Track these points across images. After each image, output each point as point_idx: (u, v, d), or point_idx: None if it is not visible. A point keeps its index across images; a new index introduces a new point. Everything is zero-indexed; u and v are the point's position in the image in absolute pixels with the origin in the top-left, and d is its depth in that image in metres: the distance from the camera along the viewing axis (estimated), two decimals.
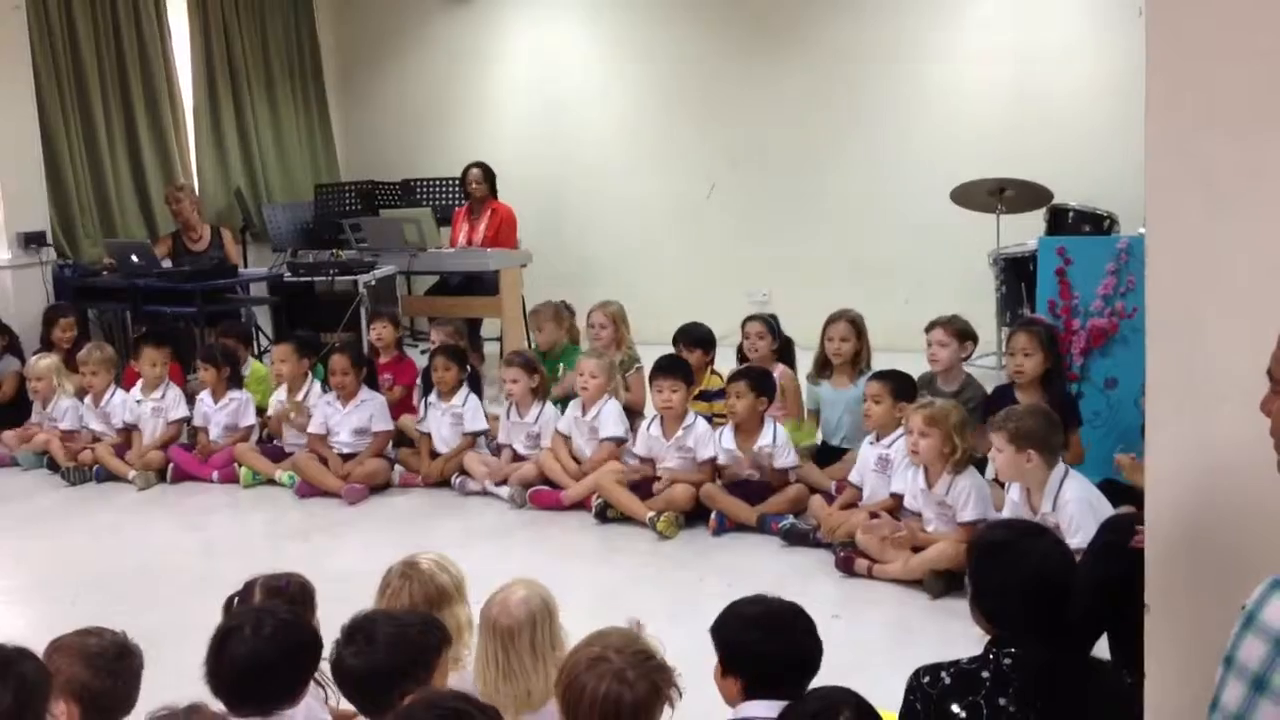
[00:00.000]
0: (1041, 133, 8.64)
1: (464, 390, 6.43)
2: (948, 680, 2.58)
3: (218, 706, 2.57)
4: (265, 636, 2.60)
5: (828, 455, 5.87)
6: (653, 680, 2.40)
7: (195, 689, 2.61)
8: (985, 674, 2.55)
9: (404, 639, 2.61)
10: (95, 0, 9.04)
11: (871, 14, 9.24)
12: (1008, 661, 2.55)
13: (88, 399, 6.96)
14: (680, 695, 2.49)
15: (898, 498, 4.99)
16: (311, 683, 2.92)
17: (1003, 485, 4.66)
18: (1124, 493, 4.38)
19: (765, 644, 2.65)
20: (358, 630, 2.64)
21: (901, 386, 5.22)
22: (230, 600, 3.05)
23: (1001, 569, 2.66)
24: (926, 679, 2.61)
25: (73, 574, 5.23)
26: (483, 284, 8.86)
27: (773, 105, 9.57)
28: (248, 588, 3.05)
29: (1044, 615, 2.57)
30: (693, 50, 9.85)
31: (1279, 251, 2.09)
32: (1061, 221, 7.53)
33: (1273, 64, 2.07)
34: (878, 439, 5.19)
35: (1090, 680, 2.57)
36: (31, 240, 8.29)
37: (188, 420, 6.85)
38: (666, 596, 4.81)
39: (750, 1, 9.62)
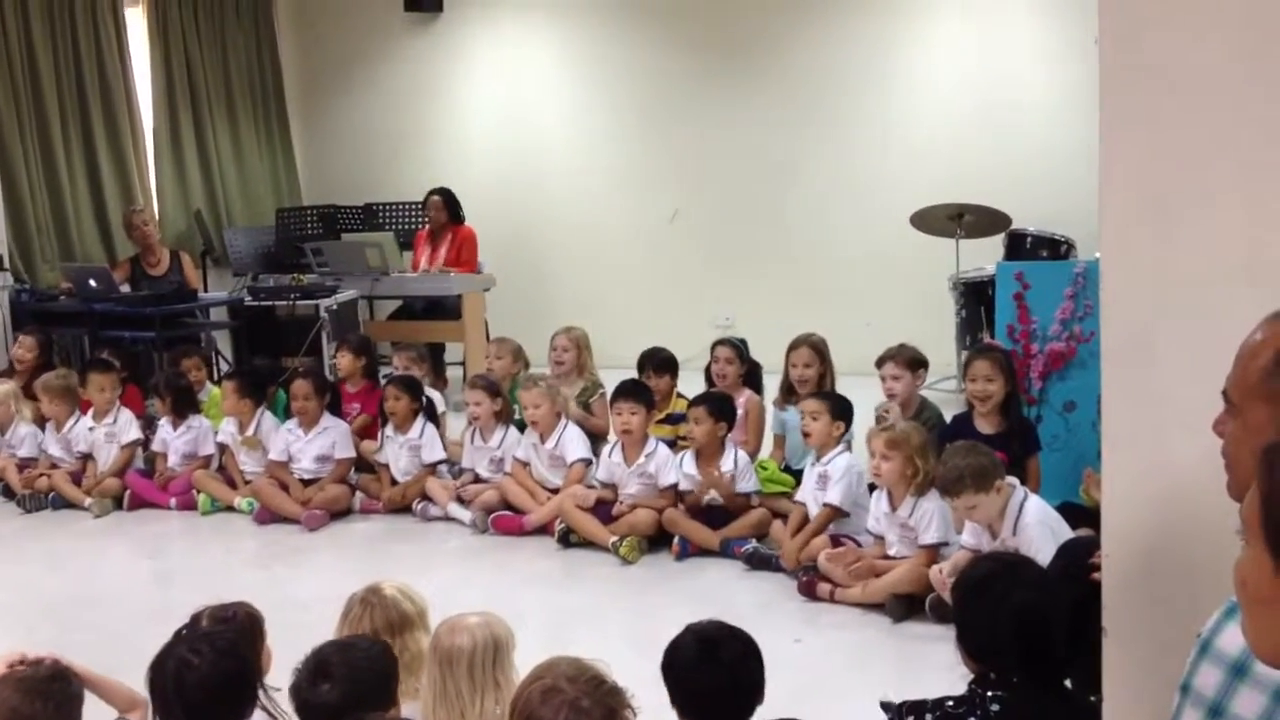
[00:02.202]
0: (1000, 158, 8.73)
1: (420, 421, 6.36)
2: None
3: None
4: (197, 666, 2.57)
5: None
6: (608, 705, 2.39)
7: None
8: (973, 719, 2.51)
9: (360, 670, 2.60)
10: (54, 22, 8.98)
11: (834, 41, 9.31)
12: (995, 708, 2.50)
13: (49, 426, 6.87)
14: (635, 715, 2.48)
15: (830, 508, 5.03)
16: (262, 710, 2.89)
17: None
18: (1083, 516, 4.40)
19: (696, 674, 2.65)
20: (315, 665, 2.62)
21: (838, 405, 5.27)
22: (179, 632, 3.02)
23: (987, 605, 2.61)
24: (910, 718, 2.57)
25: (27, 603, 5.16)
26: (445, 308, 8.84)
27: (737, 130, 9.62)
28: (195, 619, 3.01)
29: (1032, 651, 2.53)
30: (658, 75, 9.89)
31: (1230, 275, 2.12)
32: (1020, 246, 7.59)
33: (1222, 92, 2.10)
34: (818, 458, 5.21)
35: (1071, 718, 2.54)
36: None
37: (143, 444, 6.77)
38: (629, 622, 4.79)
39: (715, 27, 9.67)
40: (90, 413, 6.78)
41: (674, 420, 6.22)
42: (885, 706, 2.71)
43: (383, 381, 6.90)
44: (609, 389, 6.19)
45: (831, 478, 5.09)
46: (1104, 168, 2.23)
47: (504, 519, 5.90)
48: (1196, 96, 2.11)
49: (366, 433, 6.76)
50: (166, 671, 2.59)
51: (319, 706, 2.54)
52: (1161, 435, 2.19)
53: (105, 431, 6.73)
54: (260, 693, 2.89)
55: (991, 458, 4.31)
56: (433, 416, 6.49)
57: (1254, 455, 1.27)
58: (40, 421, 6.96)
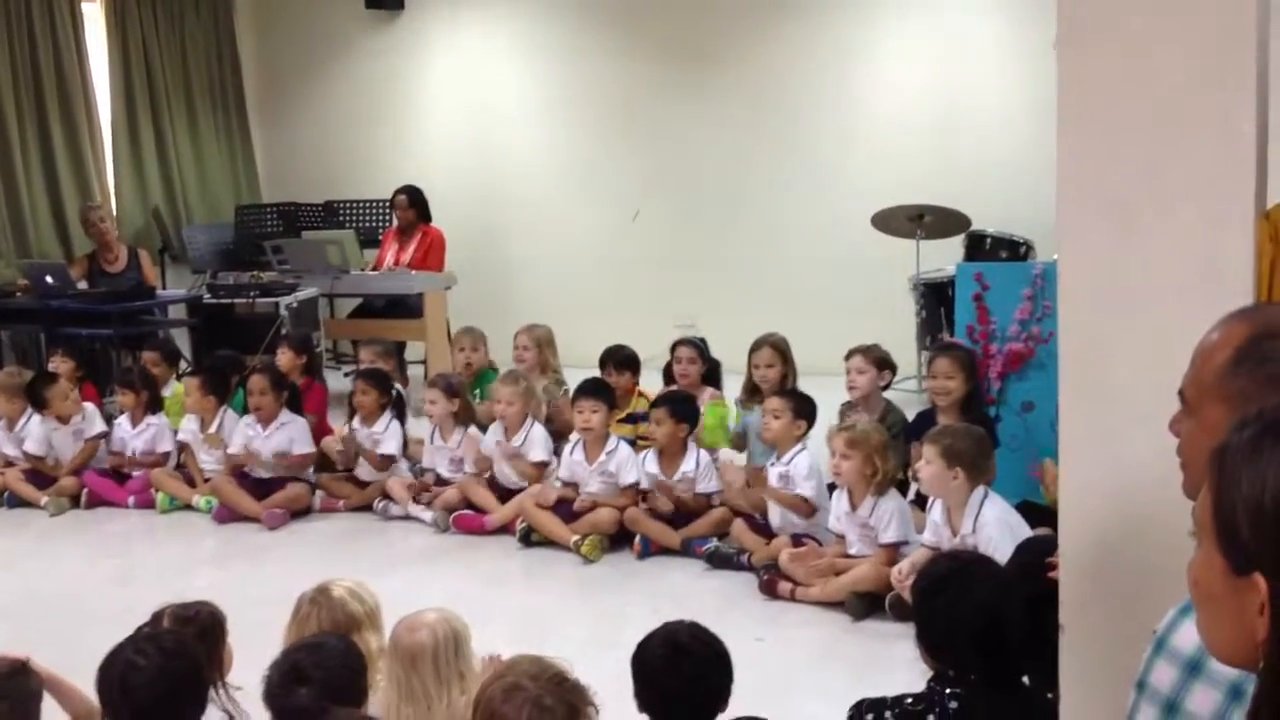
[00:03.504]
0: (960, 160, 8.79)
1: (387, 416, 6.35)
2: None
3: None
4: (143, 668, 2.56)
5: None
6: (569, 702, 2.40)
7: None
8: (931, 717, 2.52)
9: (333, 671, 2.60)
10: (10, 16, 8.87)
11: (796, 43, 9.34)
12: (954, 705, 2.52)
13: (1, 423, 6.78)
14: (598, 713, 2.49)
15: (805, 500, 5.07)
16: (221, 712, 2.88)
17: (924, 508, 4.72)
18: (1042, 515, 4.44)
19: (664, 679, 2.67)
20: (288, 670, 2.62)
21: (801, 404, 5.29)
22: (140, 630, 2.99)
23: (945, 604, 2.63)
24: (869, 716, 2.58)
25: None
26: (407, 307, 8.80)
27: (699, 131, 9.63)
28: (156, 618, 3.00)
29: (989, 649, 2.55)
30: (620, 73, 9.89)
31: (1186, 275, 2.15)
32: (979, 247, 7.66)
33: (1177, 96, 2.13)
34: (778, 457, 5.23)
35: (1030, 717, 2.56)
36: None
37: (105, 436, 6.72)
38: (591, 621, 4.80)
39: (677, 27, 9.68)
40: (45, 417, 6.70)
41: (635, 419, 6.23)
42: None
43: (345, 376, 6.87)
44: (572, 387, 6.19)
45: (794, 478, 5.10)
46: (1061, 171, 2.26)
47: (465, 518, 5.88)
48: (1152, 101, 2.14)
49: (318, 429, 6.72)
50: (113, 673, 2.57)
51: (296, 710, 2.53)
52: (1118, 435, 2.22)
53: (74, 430, 6.67)
54: (221, 692, 2.88)
55: (982, 456, 4.34)
56: (401, 413, 6.47)
57: (1209, 455, 1.29)
58: None
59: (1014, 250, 7.52)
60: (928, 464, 4.33)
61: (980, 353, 5.47)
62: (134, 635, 2.75)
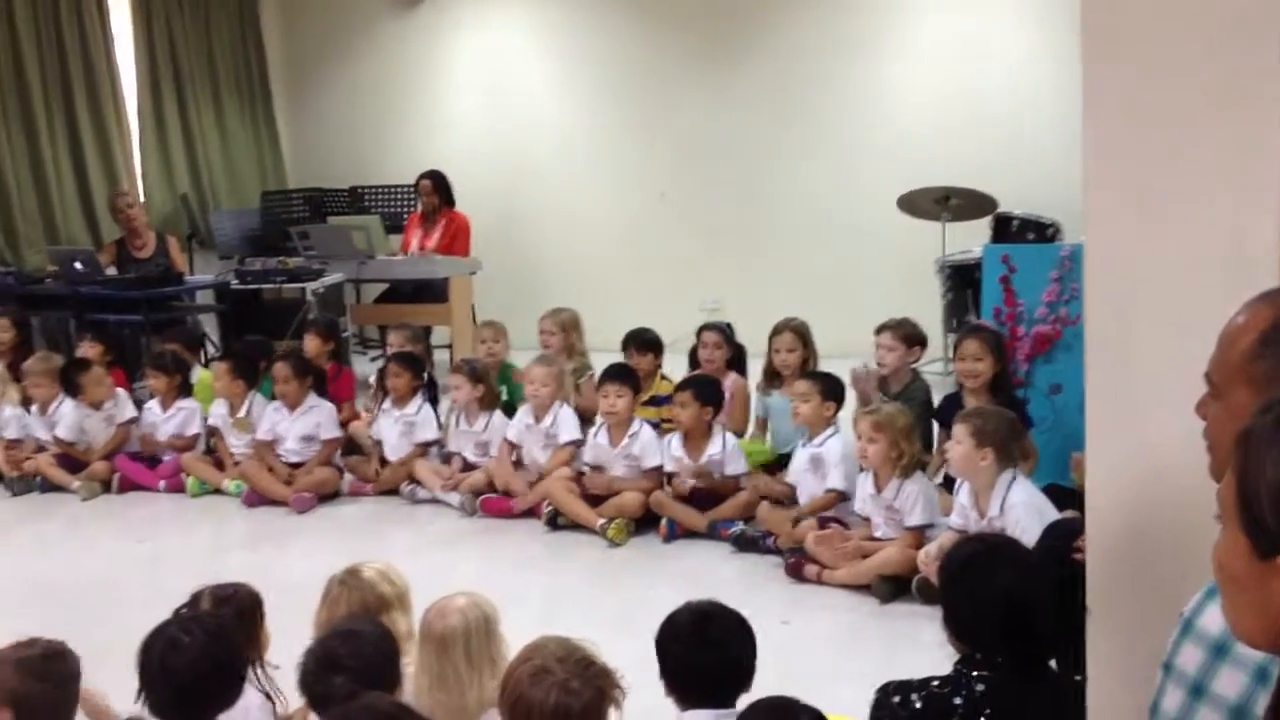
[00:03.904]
0: (987, 142, 8.75)
1: (419, 399, 6.39)
2: (918, 704, 2.54)
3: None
4: (186, 647, 2.59)
5: (778, 462, 5.90)
6: (597, 686, 2.42)
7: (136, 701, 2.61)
8: (958, 700, 2.51)
9: (367, 658, 2.64)
10: (37, 4, 8.93)
11: (821, 23, 9.31)
12: (980, 688, 2.51)
13: (34, 408, 6.86)
14: (624, 695, 2.51)
15: (835, 493, 5.05)
16: (259, 692, 2.92)
17: (951, 490, 4.71)
18: (1069, 497, 4.43)
19: (689, 653, 2.68)
20: (323, 658, 2.65)
21: (829, 386, 5.29)
22: (178, 611, 3.03)
23: (972, 587, 2.63)
24: (896, 699, 2.58)
25: (17, 586, 5.16)
26: (431, 291, 8.83)
27: (723, 112, 9.62)
28: (195, 598, 3.04)
29: (1016, 632, 2.55)
30: (644, 57, 9.88)
31: (1213, 257, 2.13)
32: (1006, 229, 7.63)
33: (1204, 76, 2.12)
34: (809, 439, 5.23)
35: (1057, 701, 2.56)
36: None
37: (136, 421, 6.78)
38: (617, 604, 4.81)
39: (700, 8, 9.66)
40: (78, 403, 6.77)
41: (658, 402, 6.24)
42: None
43: (372, 361, 6.90)
44: (598, 371, 6.21)
45: (826, 461, 5.10)
46: (1087, 154, 2.24)
47: (492, 501, 5.92)
48: (1179, 84, 2.13)
49: (346, 414, 6.77)
50: (154, 652, 2.61)
51: (333, 697, 2.56)
52: (1144, 417, 2.21)
53: (106, 415, 6.73)
54: (259, 671, 2.92)
55: (1013, 439, 4.34)
56: (433, 396, 6.50)
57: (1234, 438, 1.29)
58: (26, 404, 6.94)
59: (1041, 232, 7.48)
60: (957, 444, 4.33)
61: (1007, 335, 5.46)
62: (175, 615, 2.79)
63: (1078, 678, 2.41)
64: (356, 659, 2.63)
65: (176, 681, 2.55)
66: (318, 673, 2.62)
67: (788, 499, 5.32)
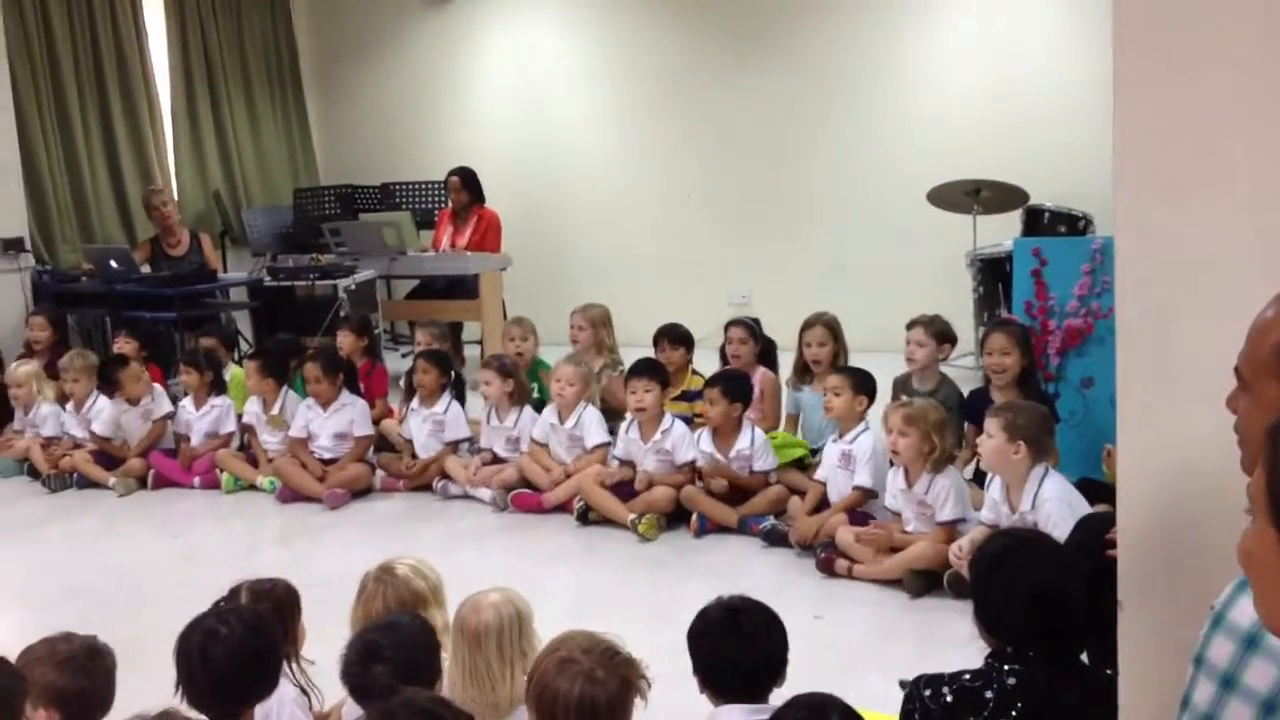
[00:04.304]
0: (1018, 134, 8.71)
1: (446, 397, 6.41)
2: (949, 698, 2.54)
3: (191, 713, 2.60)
4: (224, 638, 2.62)
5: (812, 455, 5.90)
6: (623, 676, 2.44)
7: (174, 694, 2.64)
8: (989, 694, 2.51)
9: (408, 649, 2.67)
10: (72, 3, 9.03)
11: (849, 17, 9.29)
12: (1012, 681, 2.51)
13: (69, 405, 6.94)
14: (650, 686, 2.53)
15: (862, 490, 5.04)
16: (294, 686, 2.95)
17: (982, 485, 4.70)
18: (1101, 492, 4.41)
19: (720, 648, 2.69)
20: (364, 649, 2.69)
21: (861, 380, 5.29)
22: (217, 605, 3.07)
23: (1004, 581, 2.63)
24: (928, 692, 2.58)
25: (54, 582, 5.22)
26: (463, 288, 8.87)
27: (752, 107, 9.61)
28: (234, 593, 3.07)
29: (1048, 626, 2.55)
30: (673, 52, 9.89)
31: (1244, 250, 2.13)
32: (1037, 222, 7.59)
33: (1236, 67, 2.11)
34: (840, 435, 5.23)
35: (1089, 694, 2.56)
36: (10, 246, 8.26)
37: (172, 417, 6.85)
38: (648, 598, 4.82)
39: (730, 6, 9.65)
40: (118, 399, 6.84)
41: (689, 397, 6.25)
42: (904, 685, 2.74)
43: (403, 357, 6.94)
44: (627, 366, 6.22)
45: (857, 457, 5.10)
46: (1118, 146, 2.24)
47: (523, 497, 5.94)
48: (1211, 77, 2.12)
49: (377, 415, 6.81)
50: (192, 643, 2.64)
51: (374, 688, 2.59)
52: (1176, 411, 2.20)
53: (142, 411, 6.81)
54: (294, 665, 2.95)
55: (1045, 433, 4.34)
56: (460, 394, 6.53)
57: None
58: (62, 401, 7.02)
59: (1073, 225, 7.44)
60: (989, 438, 4.31)
61: (1039, 329, 5.44)
62: (213, 608, 2.82)
63: (1109, 671, 2.40)
64: (397, 650, 2.66)
65: (215, 672, 2.58)
66: (360, 663, 2.65)
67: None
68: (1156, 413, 2.23)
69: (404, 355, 9.02)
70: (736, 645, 2.71)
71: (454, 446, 6.35)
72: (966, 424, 5.37)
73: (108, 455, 6.74)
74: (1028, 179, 7.97)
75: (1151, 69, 2.17)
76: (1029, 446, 4.26)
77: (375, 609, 3.06)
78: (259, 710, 2.70)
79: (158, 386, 6.94)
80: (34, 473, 6.81)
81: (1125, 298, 2.26)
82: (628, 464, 5.78)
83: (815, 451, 5.90)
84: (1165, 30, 2.16)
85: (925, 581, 4.56)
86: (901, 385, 5.68)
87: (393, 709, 2.15)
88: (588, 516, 5.68)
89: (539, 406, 6.35)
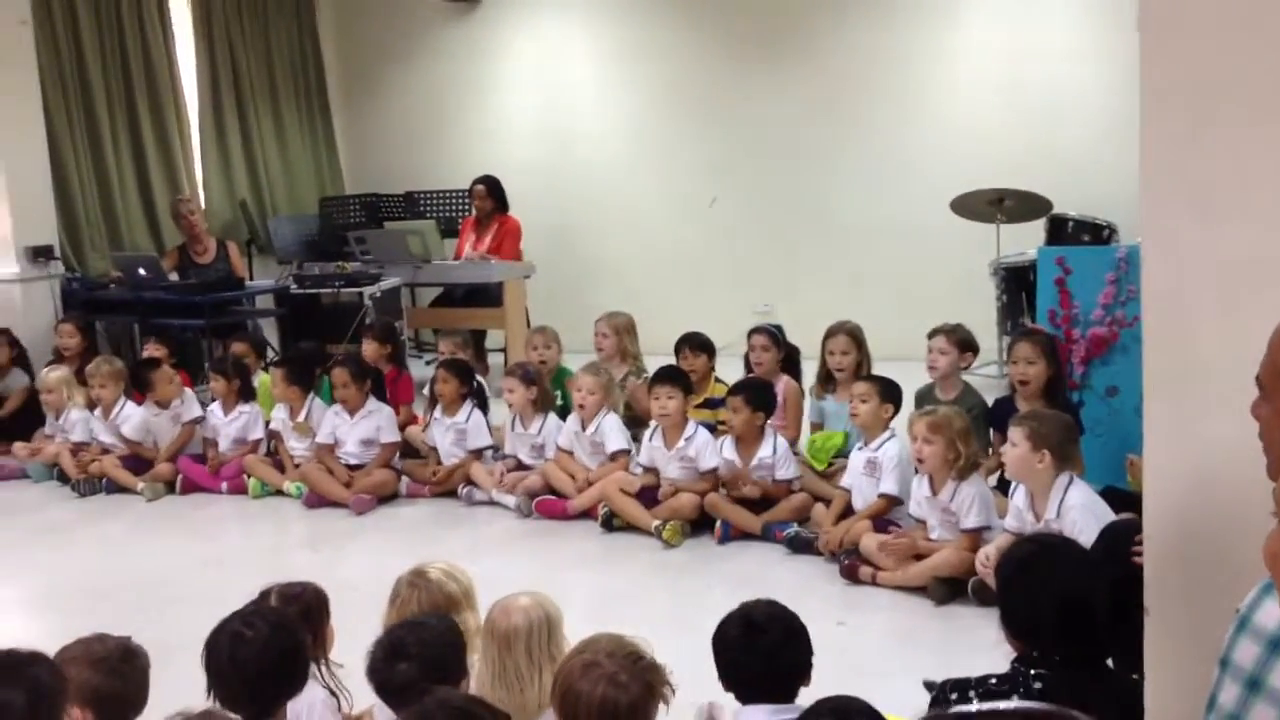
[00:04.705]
0: (1041, 143, 8.70)
1: (468, 406, 6.44)
2: (975, 702, 2.55)
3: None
4: (251, 639, 2.66)
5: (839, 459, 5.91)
6: (646, 680, 2.46)
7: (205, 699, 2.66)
8: (1015, 698, 2.51)
9: (433, 647, 2.70)
10: (101, 14, 9.12)
11: (872, 24, 9.30)
12: (1038, 685, 2.52)
13: (98, 411, 7.00)
14: (674, 692, 2.55)
15: (888, 498, 5.05)
16: (324, 688, 2.98)
17: (1006, 493, 4.70)
18: (1126, 500, 4.41)
19: (744, 652, 2.71)
20: (390, 646, 2.71)
21: (887, 388, 5.30)
22: (245, 607, 3.10)
23: (1030, 586, 2.64)
24: (954, 696, 2.59)
25: (84, 585, 5.27)
26: (487, 295, 8.91)
27: (775, 114, 9.63)
28: (264, 596, 3.10)
29: (1074, 631, 2.55)
30: (696, 62, 9.92)
31: (1272, 257, 2.14)
32: (1061, 231, 7.59)
33: (1264, 72, 2.12)
34: (865, 443, 5.24)
35: (1116, 698, 2.56)
36: (39, 254, 8.34)
37: (201, 420, 6.91)
38: (672, 604, 4.84)
39: (752, 13, 9.68)
40: (148, 403, 6.91)
41: (713, 405, 6.26)
42: (929, 686, 2.75)
43: (427, 364, 6.97)
44: (650, 374, 6.24)
45: (883, 465, 5.11)
46: (1145, 154, 2.25)
47: (547, 503, 5.97)
48: (1237, 83, 2.13)
49: (403, 422, 6.85)
50: (220, 644, 2.67)
51: (398, 686, 2.62)
52: (1202, 419, 2.22)
53: (172, 414, 6.87)
54: (323, 668, 2.98)
55: (1069, 441, 4.34)
56: (482, 402, 6.56)
57: None
58: (91, 407, 7.09)
59: (1097, 234, 7.43)
60: (1014, 446, 4.32)
61: (1063, 337, 5.43)
62: (241, 610, 2.85)
63: (1135, 676, 2.41)
64: (422, 648, 2.69)
65: (245, 673, 2.61)
66: (385, 661, 2.68)
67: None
68: (1183, 419, 2.24)
69: (428, 363, 9.06)
70: (759, 649, 2.73)
71: (478, 454, 6.38)
72: (991, 432, 5.37)
73: (136, 460, 6.80)
74: (1051, 188, 7.96)
75: (1179, 75, 2.18)
76: (1053, 455, 4.26)
77: (409, 612, 3.09)
78: (290, 709, 2.73)
79: (188, 390, 7.01)
80: (63, 477, 6.88)
81: (1151, 305, 2.28)
82: (651, 471, 5.80)
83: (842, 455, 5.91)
84: (1192, 38, 2.17)
85: (950, 589, 4.56)
86: (924, 396, 5.68)
87: (428, 709, 2.18)
88: (612, 523, 5.70)
89: (563, 414, 6.38)
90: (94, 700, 2.60)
